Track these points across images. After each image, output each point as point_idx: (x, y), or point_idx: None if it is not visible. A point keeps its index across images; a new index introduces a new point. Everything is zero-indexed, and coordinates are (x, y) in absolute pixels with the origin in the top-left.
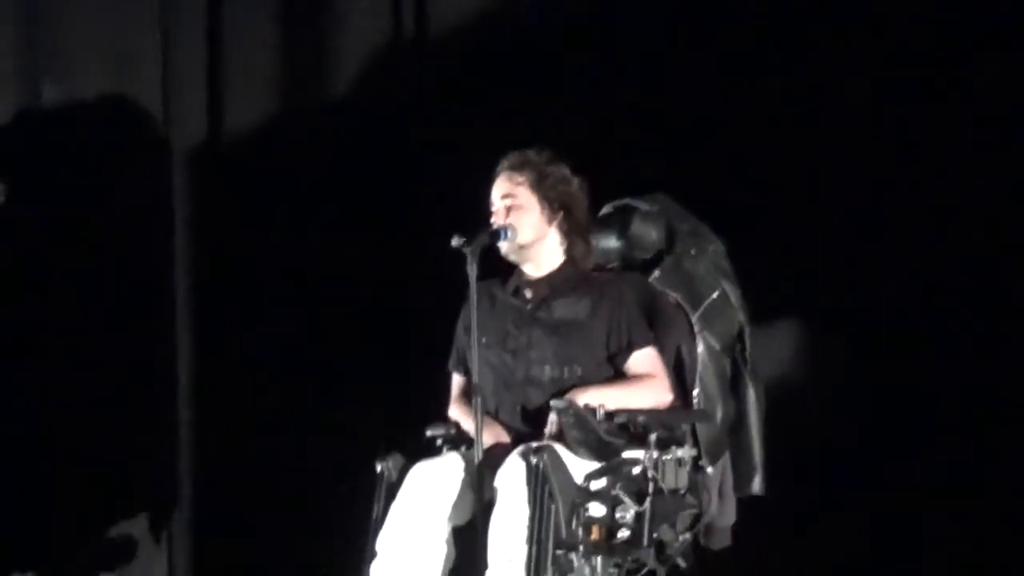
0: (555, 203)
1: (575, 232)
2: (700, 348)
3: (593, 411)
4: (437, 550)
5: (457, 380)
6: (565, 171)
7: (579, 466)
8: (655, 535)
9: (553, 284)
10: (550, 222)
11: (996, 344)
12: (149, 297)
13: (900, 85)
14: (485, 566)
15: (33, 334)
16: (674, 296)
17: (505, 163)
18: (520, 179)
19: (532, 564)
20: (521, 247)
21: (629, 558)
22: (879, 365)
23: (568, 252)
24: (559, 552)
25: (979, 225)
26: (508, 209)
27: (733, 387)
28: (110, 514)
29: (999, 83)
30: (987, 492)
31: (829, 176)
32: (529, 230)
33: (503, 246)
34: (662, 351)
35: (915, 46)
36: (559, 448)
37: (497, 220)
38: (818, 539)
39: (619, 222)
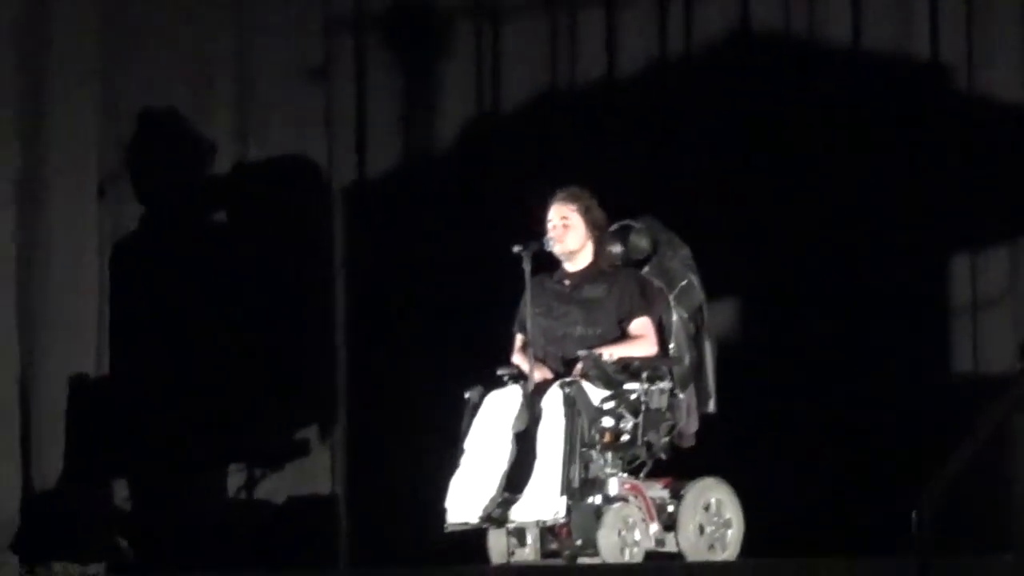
0: (592, 225)
1: (601, 243)
2: (674, 317)
3: (605, 359)
4: (504, 448)
5: (519, 338)
6: (595, 202)
7: (596, 394)
8: (646, 438)
9: (584, 275)
10: (588, 237)
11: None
12: (318, 289)
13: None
14: (535, 459)
15: (237, 320)
16: (658, 283)
17: (560, 195)
18: (572, 207)
19: (566, 457)
20: (570, 252)
21: (628, 453)
22: (790, 328)
23: (595, 255)
24: (583, 449)
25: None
26: (565, 228)
27: (696, 341)
28: (292, 424)
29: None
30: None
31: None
32: (577, 242)
33: (555, 250)
34: (651, 319)
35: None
36: (584, 382)
37: (555, 234)
38: (749, 439)
39: (621, 236)
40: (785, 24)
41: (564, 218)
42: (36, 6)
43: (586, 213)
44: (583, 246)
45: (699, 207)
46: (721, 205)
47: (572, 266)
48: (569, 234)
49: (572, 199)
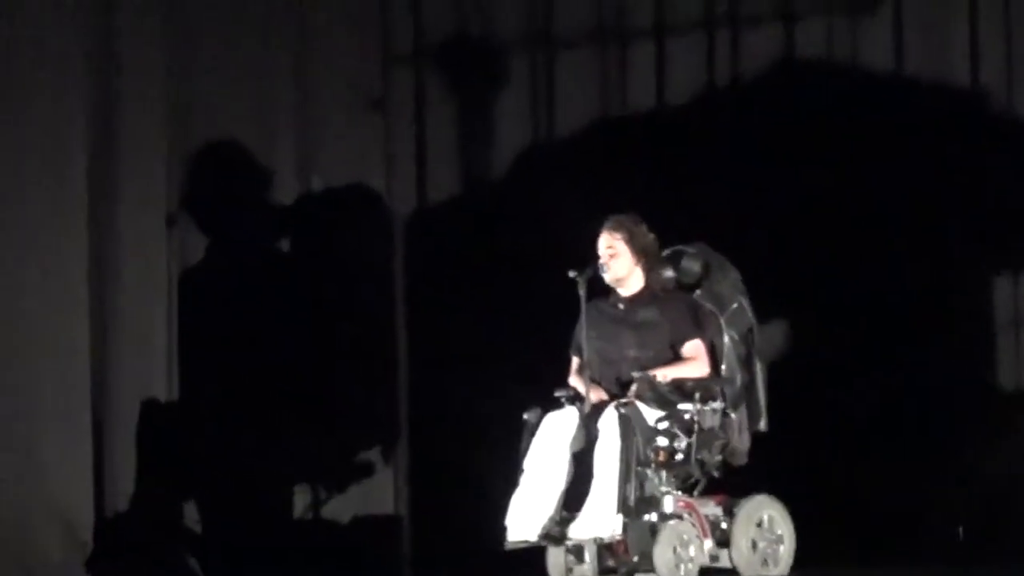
0: (639, 251)
1: (650, 268)
2: (726, 339)
3: (659, 381)
4: (561, 468)
5: (575, 360)
6: (644, 229)
7: (651, 414)
8: (699, 457)
9: (636, 300)
10: (636, 263)
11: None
12: (380, 315)
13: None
14: (592, 478)
15: (301, 346)
16: (709, 307)
17: (607, 224)
18: (618, 236)
19: (622, 475)
20: (618, 279)
21: (682, 471)
22: (837, 347)
23: (646, 280)
24: (639, 468)
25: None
26: (611, 255)
27: (746, 363)
28: (356, 447)
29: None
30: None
31: (806, 233)
32: (624, 268)
33: (605, 277)
34: (703, 341)
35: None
36: (639, 403)
37: (603, 261)
38: (798, 457)
39: (674, 261)
40: (828, 51)
41: (610, 247)
42: (103, 45)
43: (631, 241)
44: (631, 272)
45: (748, 231)
46: (769, 228)
47: (624, 291)
48: (616, 261)
49: (617, 228)
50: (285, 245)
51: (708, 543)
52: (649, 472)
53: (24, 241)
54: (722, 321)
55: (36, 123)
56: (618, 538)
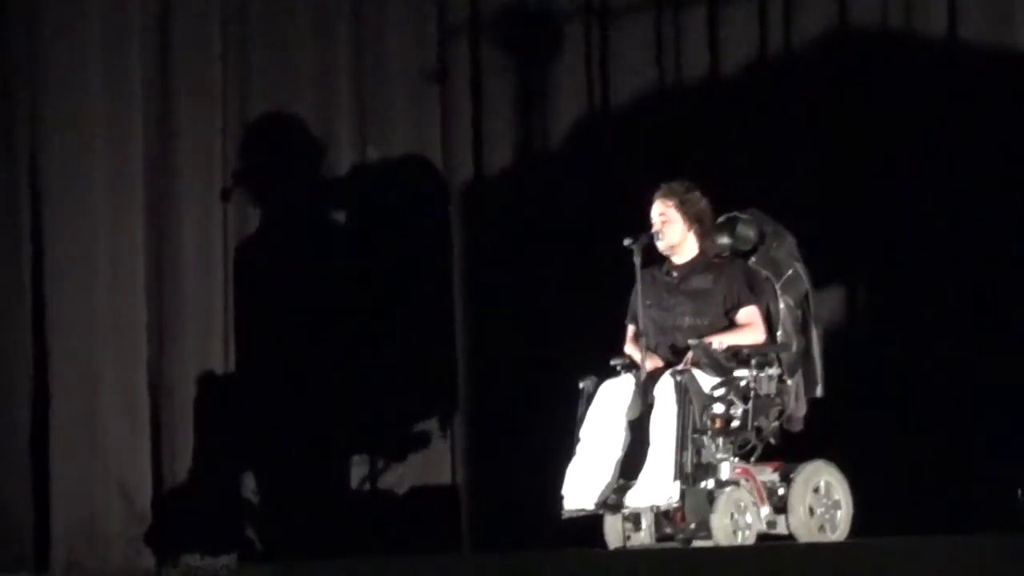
0: (691, 218)
1: (704, 235)
2: (781, 305)
3: (715, 348)
4: (618, 436)
5: (631, 329)
6: (697, 195)
7: (707, 381)
8: (756, 423)
9: (691, 267)
10: (688, 229)
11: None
12: (437, 284)
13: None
14: (648, 446)
15: (357, 316)
16: (765, 273)
17: (659, 191)
18: (669, 203)
19: (679, 443)
20: (671, 246)
21: (739, 438)
22: (892, 313)
23: (700, 247)
24: (695, 435)
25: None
26: (663, 222)
27: (803, 329)
28: (413, 417)
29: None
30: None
31: (861, 198)
32: (676, 235)
33: (659, 245)
34: (758, 308)
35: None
36: (695, 370)
37: (656, 229)
38: (853, 420)
39: (729, 227)
40: (882, 18)
41: (662, 213)
42: (159, 20)
43: (682, 207)
44: (684, 239)
45: (802, 197)
46: (823, 194)
47: (679, 258)
48: (668, 228)
49: (669, 194)
50: (342, 217)
51: (765, 509)
52: (706, 439)
53: (84, 218)
54: (777, 287)
55: (95, 98)
56: (675, 505)
